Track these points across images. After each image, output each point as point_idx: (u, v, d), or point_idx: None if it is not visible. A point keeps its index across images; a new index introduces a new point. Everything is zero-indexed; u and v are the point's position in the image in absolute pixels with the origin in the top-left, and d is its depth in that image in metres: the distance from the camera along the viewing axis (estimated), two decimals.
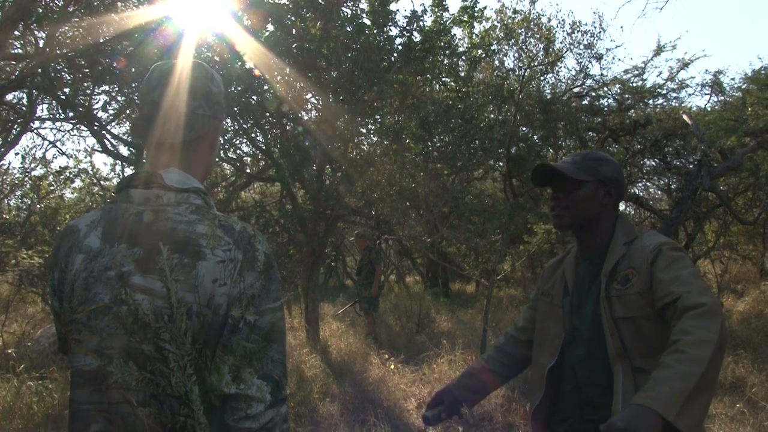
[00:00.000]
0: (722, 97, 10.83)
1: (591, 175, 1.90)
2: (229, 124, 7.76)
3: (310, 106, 7.55)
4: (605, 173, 1.92)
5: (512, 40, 10.05)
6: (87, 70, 6.02)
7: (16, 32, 5.61)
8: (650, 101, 10.81)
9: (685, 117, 7.77)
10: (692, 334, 1.43)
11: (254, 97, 6.76)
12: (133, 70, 5.71)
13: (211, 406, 1.22)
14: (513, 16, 10.02)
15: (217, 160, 9.15)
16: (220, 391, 1.19)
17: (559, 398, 1.93)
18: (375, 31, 6.33)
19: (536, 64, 10.29)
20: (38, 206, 9.36)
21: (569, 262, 2.02)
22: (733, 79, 14.59)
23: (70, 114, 7.30)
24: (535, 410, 1.96)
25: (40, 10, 5.13)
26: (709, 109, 10.69)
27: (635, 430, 1.28)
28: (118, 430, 1.20)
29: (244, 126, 7.68)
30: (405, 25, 6.55)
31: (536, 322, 2.08)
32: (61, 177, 9.45)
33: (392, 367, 6.67)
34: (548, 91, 10.86)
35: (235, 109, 6.72)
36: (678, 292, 1.59)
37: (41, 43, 5.97)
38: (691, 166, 9.02)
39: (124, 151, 8.15)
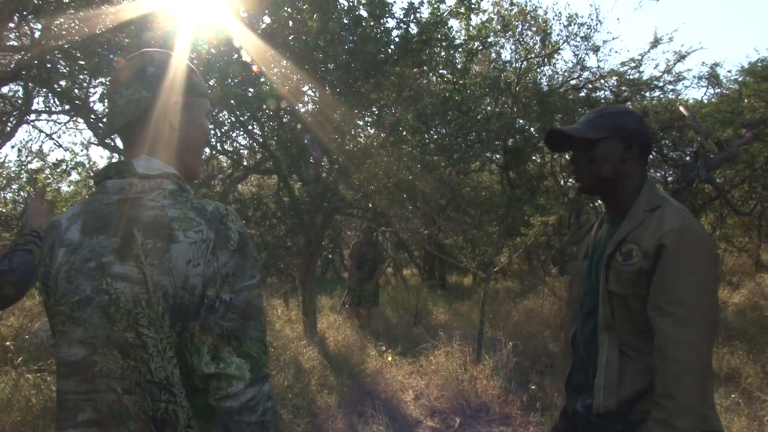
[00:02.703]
0: (719, 90, 10.86)
1: (605, 131, 1.76)
2: (226, 117, 7.74)
3: (307, 99, 7.54)
4: (623, 126, 1.77)
5: (509, 32, 10.04)
6: (83, 62, 6.00)
7: (11, 24, 5.59)
8: (647, 93, 10.83)
9: (681, 108, 7.79)
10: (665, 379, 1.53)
11: (251, 90, 6.75)
12: None
13: (195, 389, 1.23)
14: (510, 8, 10.02)
15: (213, 152, 9.16)
16: (201, 372, 1.20)
17: (580, 369, 1.87)
18: (372, 23, 6.32)
19: (533, 56, 10.30)
20: None
21: (598, 224, 1.92)
22: (729, 71, 14.57)
23: (67, 106, 7.28)
24: (566, 380, 1.93)
25: (36, 1, 5.11)
26: (705, 101, 10.71)
27: None
28: (104, 418, 1.21)
29: (241, 119, 7.66)
30: (402, 17, 6.53)
31: None
32: (58, 170, 9.42)
33: (389, 359, 6.69)
34: (545, 83, 10.86)
35: (232, 101, 6.70)
36: (662, 311, 1.57)
37: (37, 34, 5.94)
38: (687, 158, 9.04)
39: (120, 143, 8.12)
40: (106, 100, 1.38)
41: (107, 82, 6.52)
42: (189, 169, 1.41)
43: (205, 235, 1.22)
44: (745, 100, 8.92)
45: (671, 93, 10.77)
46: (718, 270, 1.63)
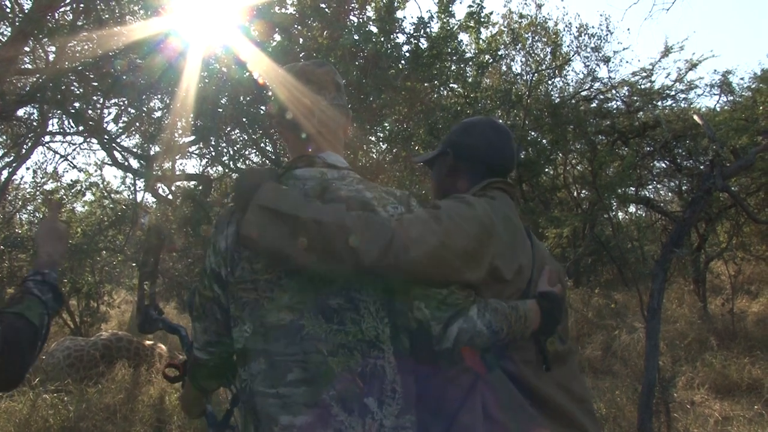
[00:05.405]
0: (732, 97, 10.77)
1: (440, 148, 1.80)
2: (239, 135, 7.78)
3: None
4: (450, 141, 1.77)
5: (519, 45, 10.04)
6: (96, 84, 6.06)
7: (26, 48, 5.66)
8: (659, 103, 10.76)
9: (695, 117, 7.73)
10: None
11: (263, 108, 6.78)
12: (141, 81, 5.74)
13: (403, 347, 1.41)
14: (519, 20, 10.02)
15: (226, 171, 9.20)
16: (431, 327, 1.36)
17: None
18: (382, 39, 6.34)
19: (544, 68, 10.28)
20: None
21: None
22: (742, 78, 14.48)
23: (81, 127, 7.34)
24: None
25: (50, 25, 5.18)
26: (718, 109, 10.63)
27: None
28: (312, 377, 1.33)
29: (254, 136, 7.70)
30: (412, 32, 6.55)
31: None
32: (73, 190, 9.50)
33: None
34: (556, 95, 10.80)
35: (244, 119, 6.73)
36: None
37: (51, 57, 6.01)
38: (702, 167, 8.96)
39: (134, 163, 8.17)
40: (312, 105, 1.55)
41: (119, 102, 6.59)
42: None
43: (399, 209, 1.47)
44: (760, 108, 8.84)
45: (683, 102, 10.69)
46: None
